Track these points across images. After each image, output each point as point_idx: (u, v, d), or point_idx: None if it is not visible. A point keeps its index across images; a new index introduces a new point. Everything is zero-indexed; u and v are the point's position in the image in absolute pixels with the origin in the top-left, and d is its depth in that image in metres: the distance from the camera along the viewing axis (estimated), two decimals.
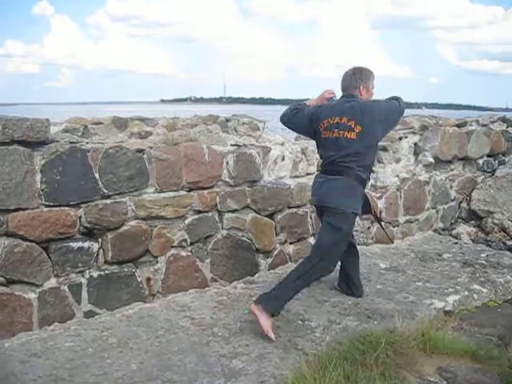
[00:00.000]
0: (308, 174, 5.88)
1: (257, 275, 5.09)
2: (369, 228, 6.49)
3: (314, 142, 5.93)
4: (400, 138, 6.89)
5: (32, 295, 4.11)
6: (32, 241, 4.06)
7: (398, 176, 6.81)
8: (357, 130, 3.98)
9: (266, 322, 3.69)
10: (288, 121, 4.40)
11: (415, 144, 7.07)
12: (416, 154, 7.08)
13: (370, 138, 4.04)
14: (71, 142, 4.21)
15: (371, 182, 6.42)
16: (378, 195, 6.54)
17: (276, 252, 5.55)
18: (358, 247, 5.95)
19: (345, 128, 4.01)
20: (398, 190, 6.81)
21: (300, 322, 4.04)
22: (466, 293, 4.64)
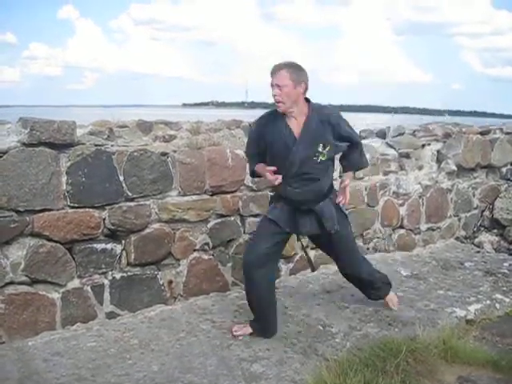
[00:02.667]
0: None
1: (278, 280, 5.09)
2: (390, 235, 6.47)
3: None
4: (423, 146, 6.85)
5: (55, 295, 4.16)
6: (57, 241, 4.10)
7: (420, 183, 6.78)
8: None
9: None
10: None
11: (438, 151, 7.02)
12: (439, 161, 7.04)
13: None
14: (96, 145, 4.26)
15: (393, 188, 6.41)
16: (400, 202, 6.51)
17: (297, 257, 5.56)
18: (380, 254, 5.96)
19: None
20: (420, 197, 6.78)
21: (320, 328, 4.04)
22: (488, 302, 4.61)
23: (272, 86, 3.59)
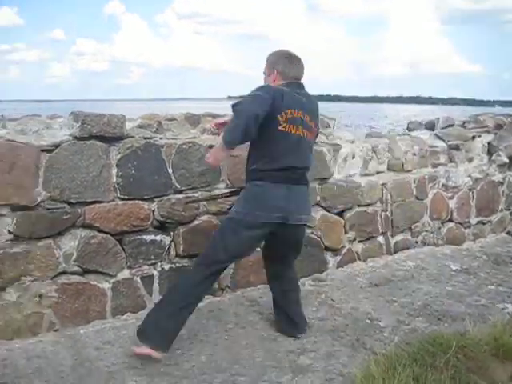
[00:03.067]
0: (378, 172, 5.84)
1: (325, 273, 5.10)
2: (439, 228, 6.39)
3: (385, 141, 5.89)
4: (473, 137, 6.72)
5: (106, 285, 4.23)
6: (107, 233, 4.17)
7: (470, 176, 6.67)
8: (314, 132, 3.69)
9: None
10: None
11: (489, 143, 6.89)
12: (490, 153, 6.90)
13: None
14: (146, 138, 4.31)
15: (443, 181, 6.32)
16: (449, 195, 6.42)
17: (344, 250, 5.53)
18: (429, 248, 5.90)
19: (307, 127, 3.54)
20: (470, 190, 6.67)
21: (368, 321, 4.03)
22: None
23: None
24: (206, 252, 3.59)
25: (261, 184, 3.47)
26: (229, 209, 4.11)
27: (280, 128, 3.39)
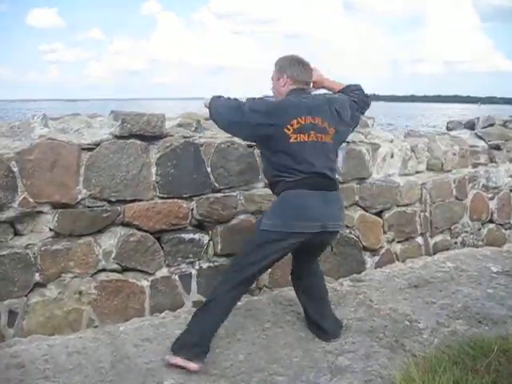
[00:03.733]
0: (417, 171, 5.78)
1: (363, 273, 5.06)
2: (479, 229, 6.29)
3: (425, 140, 5.82)
4: None
5: (145, 283, 4.26)
6: (146, 231, 4.20)
7: (511, 176, 6.55)
8: (332, 132, 3.53)
9: None
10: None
11: None
12: None
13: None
14: (185, 137, 4.33)
15: (483, 181, 6.22)
16: (489, 196, 6.32)
17: (383, 251, 5.48)
18: (468, 249, 5.81)
19: (321, 130, 3.47)
20: (511, 190, 6.55)
21: (407, 323, 3.99)
22: None
23: None
24: (237, 260, 3.59)
25: (295, 193, 3.40)
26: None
27: (291, 140, 3.36)
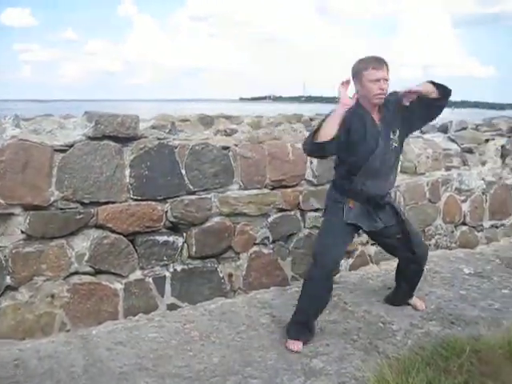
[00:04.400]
0: None
1: (338, 275, 5.06)
2: (452, 232, 6.34)
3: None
4: (486, 140, 6.68)
5: (118, 286, 4.23)
6: (120, 233, 4.17)
7: (483, 179, 6.61)
8: None
9: None
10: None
11: (502, 146, 6.82)
12: (503, 156, 6.83)
13: None
14: (159, 138, 4.30)
15: (456, 184, 6.27)
16: (462, 198, 6.37)
17: (357, 253, 5.49)
18: (442, 251, 5.86)
19: None
20: (483, 193, 6.61)
21: (381, 325, 4.00)
22: None
23: (378, 79, 3.52)
24: None
25: None
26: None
27: None
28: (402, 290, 4.30)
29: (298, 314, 3.76)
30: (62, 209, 3.89)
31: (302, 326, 3.72)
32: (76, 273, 4.04)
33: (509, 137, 6.85)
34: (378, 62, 3.55)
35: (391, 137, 3.67)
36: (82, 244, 4.03)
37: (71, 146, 3.91)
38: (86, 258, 4.05)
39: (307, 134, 4.59)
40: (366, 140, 3.61)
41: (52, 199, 3.85)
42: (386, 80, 3.56)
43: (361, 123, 3.61)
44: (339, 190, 3.83)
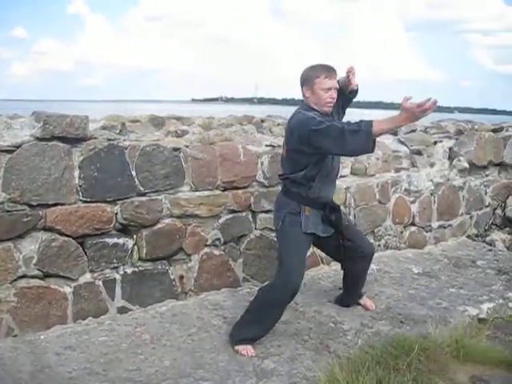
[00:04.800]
0: (342, 176, 5.83)
1: None
2: (402, 232, 6.44)
3: None
4: (435, 143, 6.81)
5: (67, 289, 4.16)
6: (69, 236, 4.10)
7: (431, 180, 6.73)
8: (287, 147, 3.77)
9: None
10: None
11: (450, 149, 6.97)
12: (451, 158, 6.98)
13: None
14: (109, 139, 4.25)
15: (405, 185, 6.38)
16: (411, 199, 6.48)
17: (308, 253, 5.52)
18: (391, 251, 5.95)
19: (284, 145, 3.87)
20: (431, 194, 6.73)
21: (332, 325, 4.04)
22: (501, 301, 4.60)
23: (329, 88, 3.60)
24: None
25: None
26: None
27: None
28: (350, 291, 4.35)
29: (249, 317, 3.75)
30: (8, 211, 3.81)
31: (251, 327, 3.71)
32: (24, 276, 3.96)
33: (456, 139, 7.01)
34: (330, 71, 3.62)
35: None
36: (29, 247, 3.95)
37: (18, 146, 3.83)
38: (34, 261, 3.97)
39: (257, 134, 4.62)
40: None
41: None
42: (336, 89, 3.66)
43: None
44: (295, 199, 3.79)
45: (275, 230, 4.01)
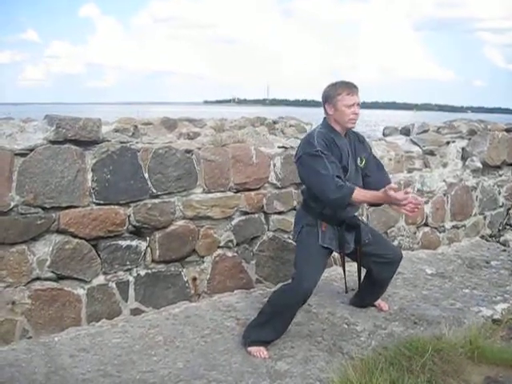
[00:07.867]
0: None
1: None
2: (415, 233, 6.42)
3: None
4: (447, 143, 6.77)
5: (81, 291, 4.18)
6: (82, 238, 4.12)
7: (445, 181, 6.71)
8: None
9: None
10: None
11: (463, 149, 6.94)
12: (464, 158, 6.95)
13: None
14: (122, 142, 4.27)
15: (418, 186, 6.35)
16: (424, 200, 6.46)
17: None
18: (404, 252, 5.92)
19: None
20: (444, 194, 6.71)
21: (345, 326, 4.03)
22: None
23: (352, 104, 3.63)
24: None
25: None
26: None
27: None
28: (370, 294, 4.34)
29: (262, 319, 3.75)
30: (22, 214, 3.84)
31: (264, 329, 3.70)
32: (38, 279, 3.99)
33: (469, 139, 6.97)
34: (351, 88, 3.65)
35: (358, 163, 3.77)
36: (43, 249, 3.98)
37: (32, 149, 3.86)
38: (47, 263, 4.00)
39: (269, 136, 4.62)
40: (342, 161, 3.65)
41: (12, 204, 3.79)
42: (358, 104, 3.68)
43: (335, 145, 3.66)
44: (312, 213, 3.80)
45: (294, 241, 4.02)
